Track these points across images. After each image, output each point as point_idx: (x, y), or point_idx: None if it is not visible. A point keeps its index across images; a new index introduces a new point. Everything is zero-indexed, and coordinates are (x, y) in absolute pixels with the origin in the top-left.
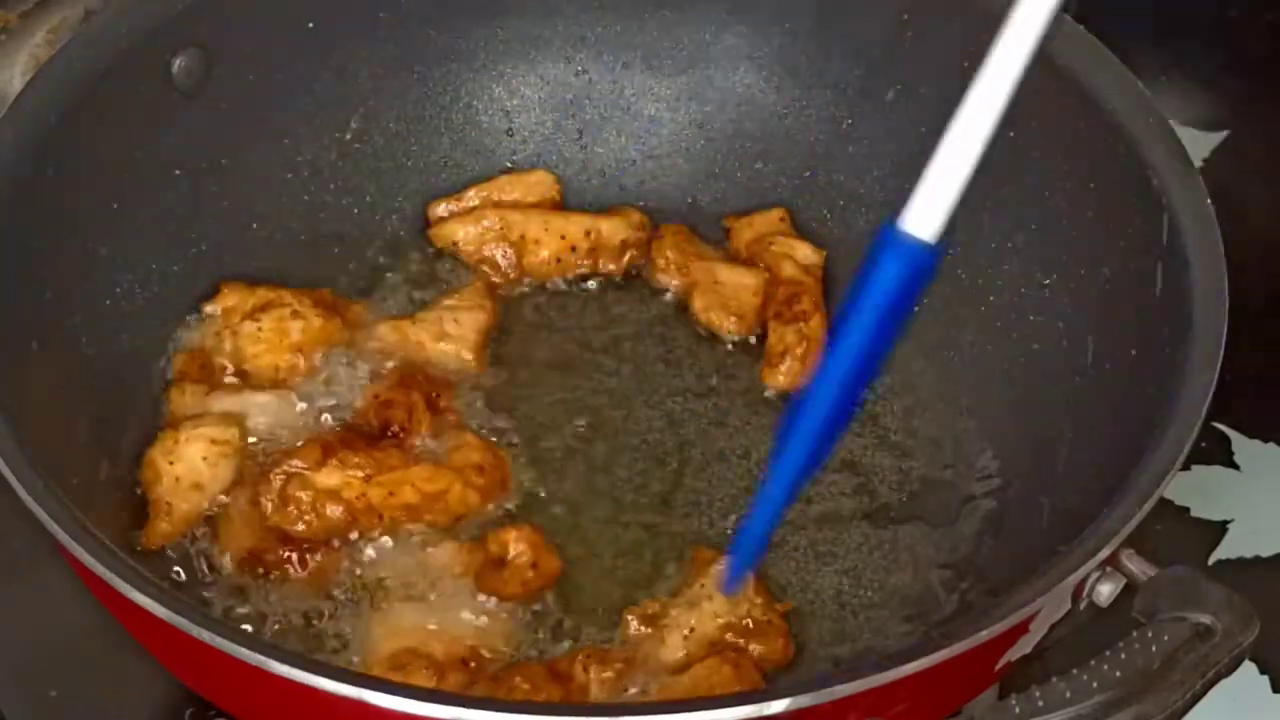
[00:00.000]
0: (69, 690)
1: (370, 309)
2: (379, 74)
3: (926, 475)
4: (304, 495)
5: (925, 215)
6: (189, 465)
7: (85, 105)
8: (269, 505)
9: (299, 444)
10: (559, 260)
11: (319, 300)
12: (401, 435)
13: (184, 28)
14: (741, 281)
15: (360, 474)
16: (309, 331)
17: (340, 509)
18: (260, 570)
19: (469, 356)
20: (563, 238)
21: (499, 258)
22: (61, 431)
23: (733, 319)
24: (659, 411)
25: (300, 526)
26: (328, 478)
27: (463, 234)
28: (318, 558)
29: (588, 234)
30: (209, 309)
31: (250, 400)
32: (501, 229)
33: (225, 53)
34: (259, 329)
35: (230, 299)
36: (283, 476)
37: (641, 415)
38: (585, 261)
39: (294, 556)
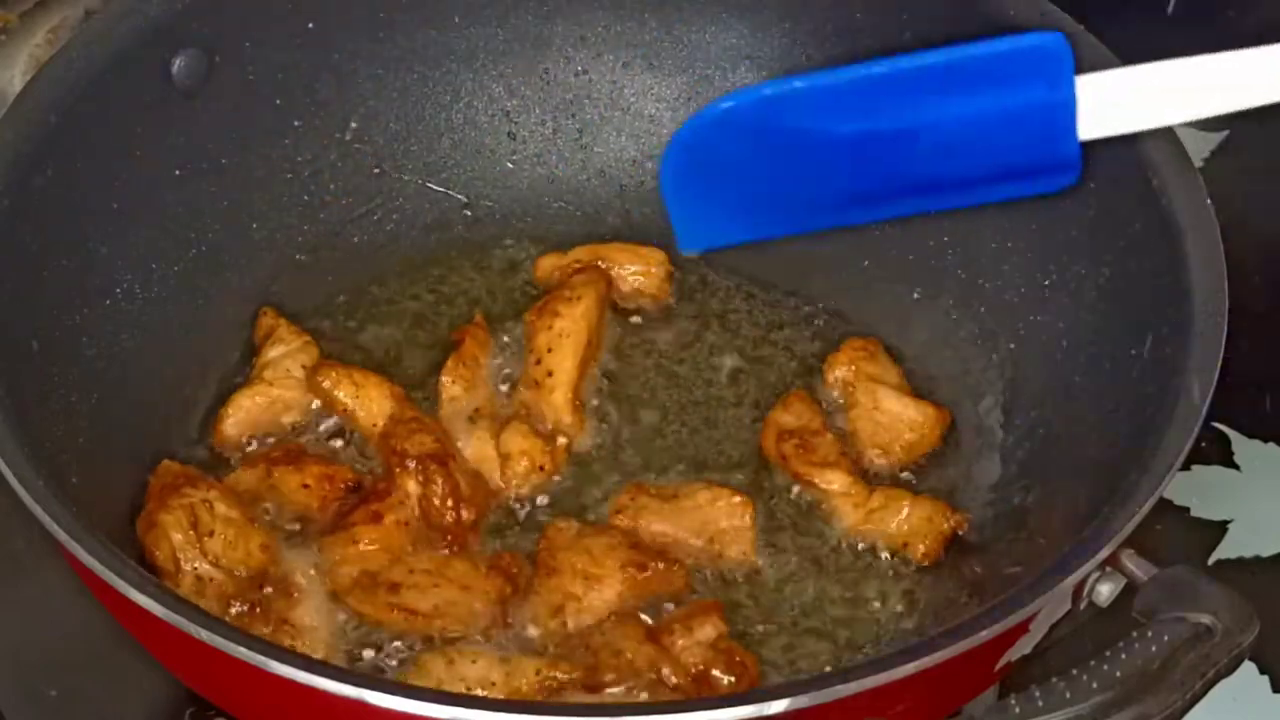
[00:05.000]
0: (69, 690)
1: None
2: (379, 74)
3: (926, 475)
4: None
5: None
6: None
7: (85, 105)
8: None
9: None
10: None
11: None
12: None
13: (184, 28)
14: (903, 414)
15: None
16: None
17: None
18: None
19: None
20: None
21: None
22: (62, 431)
23: (877, 450)
24: None
25: None
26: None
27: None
28: None
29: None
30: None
31: None
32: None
33: (225, 53)
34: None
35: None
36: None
37: None
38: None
39: None
